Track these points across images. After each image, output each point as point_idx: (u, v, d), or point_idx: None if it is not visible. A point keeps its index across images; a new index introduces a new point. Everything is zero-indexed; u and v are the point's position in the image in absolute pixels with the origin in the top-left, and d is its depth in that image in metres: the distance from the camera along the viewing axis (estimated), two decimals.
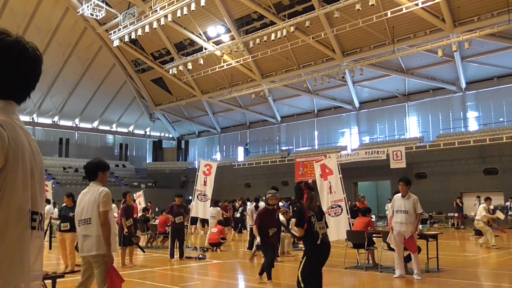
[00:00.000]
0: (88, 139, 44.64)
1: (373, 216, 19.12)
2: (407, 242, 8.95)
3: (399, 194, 9.25)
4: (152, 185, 41.22)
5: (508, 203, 22.94)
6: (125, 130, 46.65)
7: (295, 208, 6.68)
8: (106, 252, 5.04)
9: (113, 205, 18.31)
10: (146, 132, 48.01)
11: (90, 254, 5.09)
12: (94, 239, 5.07)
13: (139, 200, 20.27)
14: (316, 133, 37.79)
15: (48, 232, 13.34)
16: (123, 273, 10.43)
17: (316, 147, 37.26)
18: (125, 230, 11.26)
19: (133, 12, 30.00)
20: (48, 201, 17.07)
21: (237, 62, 31.29)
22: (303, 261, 6.15)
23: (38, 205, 1.59)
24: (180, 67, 32.69)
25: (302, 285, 5.99)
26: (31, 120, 40.52)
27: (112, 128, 45.78)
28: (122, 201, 12.20)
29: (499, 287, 8.82)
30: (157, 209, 28.85)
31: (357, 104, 34.51)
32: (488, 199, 16.10)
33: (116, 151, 46.35)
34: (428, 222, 22.13)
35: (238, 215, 22.11)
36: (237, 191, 33.69)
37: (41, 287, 1.69)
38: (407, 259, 9.79)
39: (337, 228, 11.75)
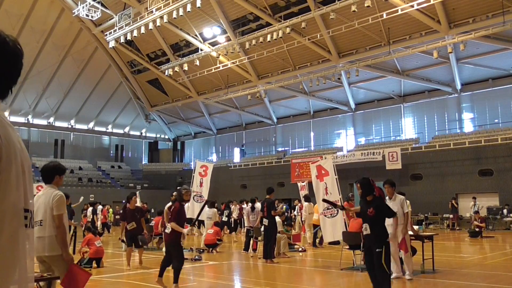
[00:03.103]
0: (84, 140, 44.51)
1: None
2: (400, 243, 8.99)
3: (387, 197, 9.35)
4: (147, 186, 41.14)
5: (505, 210, 23.03)
6: (120, 131, 46.55)
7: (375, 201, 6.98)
8: (63, 252, 5.09)
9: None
10: (142, 133, 47.93)
11: (43, 254, 5.14)
12: (46, 241, 5.10)
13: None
14: (312, 134, 37.84)
15: None
16: (125, 274, 10.43)
17: (312, 148, 37.30)
18: (121, 235, 11.23)
19: (129, 13, 29.94)
20: None
21: (233, 63, 31.28)
22: (384, 250, 6.44)
23: (28, 203, 1.56)
24: (176, 68, 32.66)
25: (388, 271, 6.50)
26: (26, 121, 40.39)
27: (107, 129, 45.68)
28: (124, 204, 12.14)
29: None
30: (152, 210, 28.80)
31: (353, 105, 34.58)
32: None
33: (111, 152, 46.25)
34: (423, 223, 22.18)
35: (225, 218, 22.08)
36: (233, 192, 33.66)
37: None
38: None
39: (333, 229, 11.78)
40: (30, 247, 1.58)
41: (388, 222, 9.17)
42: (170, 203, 13.11)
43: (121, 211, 14.32)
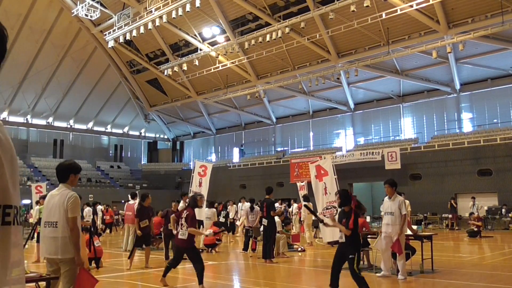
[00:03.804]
0: (83, 140, 44.48)
1: (368, 217, 19.13)
2: (393, 244, 9.05)
3: (387, 196, 9.41)
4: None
5: (503, 210, 23.07)
6: (120, 131, 46.52)
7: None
8: (75, 255, 5.03)
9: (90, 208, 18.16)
10: (141, 133, 47.90)
11: (56, 257, 5.08)
12: (60, 242, 5.04)
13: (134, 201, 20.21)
14: (311, 134, 37.84)
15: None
16: (125, 274, 10.43)
17: (311, 148, 37.30)
18: (138, 231, 11.29)
19: (128, 13, 29.92)
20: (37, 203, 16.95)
21: (232, 63, 31.27)
22: (356, 257, 7.05)
23: (10, 198, 1.43)
24: (175, 68, 32.63)
25: (360, 274, 7.14)
26: (25, 121, 40.35)
27: (106, 129, 45.64)
28: (138, 202, 12.25)
29: None
30: None
31: (352, 105, 34.58)
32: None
33: (111, 152, 46.22)
34: (422, 223, 22.18)
35: (222, 219, 22.10)
36: (232, 192, 33.66)
37: None
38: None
39: (332, 229, 11.77)
40: (17, 245, 1.46)
41: (384, 221, 9.32)
42: (177, 205, 13.14)
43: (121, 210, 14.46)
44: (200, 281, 8.13)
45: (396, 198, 9.21)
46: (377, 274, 9.46)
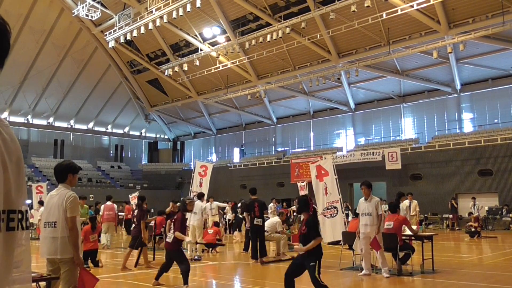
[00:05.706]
0: (83, 140, 44.48)
1: None
2: (372, 242, 9.24)
3: (363, 198, 9.70)
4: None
5: (504, 210, 23.04)
6: (120, 131, 46.52)
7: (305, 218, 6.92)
8: (74, 255, 5.03)
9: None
10: (141, 133, 47.90)
11: (55, 257, 5.08)
12: (59, 241, 5.05)
13: (134, 202, 20.27)
14: (311, 134, 37.83)
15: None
16: (125, 274, 10.42)
17: (312, 148, 37.29)
18: (143, 233, 11.36)
19: (129, 13, 29.92)
20: (41, 203, 17.02)
21: (233, 63, 31.27)
22: (317, 264, 6.41)
23: (13, 202, 1.38)
24: (176, 68, 32.64)
25: (322, 283, 6.35)
26: (25, 121, 40.36)
27: (107, 129, 45.65)
28: (137, 204, 12.33)
29: None
30: (152, 210, 28.77)
31: (352, 106, 34.57)
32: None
33: (111, 152, 46.22)
34: (423, 223, 22.15)
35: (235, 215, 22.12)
36: (232, 192, 33.65)
37: None
38: (403, 260, 9.85)
39: (332, 229, 11.78)
40: (23, 249, 1.43)
41: (362, 221, 9.53)
42: (174, 205, 13.18)
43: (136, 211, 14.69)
44: (185, 282, 8.30)
45: (372, 199, 9.52)
46: (359, 274, 9.63)
